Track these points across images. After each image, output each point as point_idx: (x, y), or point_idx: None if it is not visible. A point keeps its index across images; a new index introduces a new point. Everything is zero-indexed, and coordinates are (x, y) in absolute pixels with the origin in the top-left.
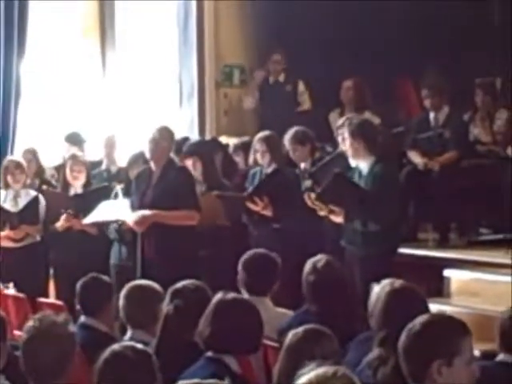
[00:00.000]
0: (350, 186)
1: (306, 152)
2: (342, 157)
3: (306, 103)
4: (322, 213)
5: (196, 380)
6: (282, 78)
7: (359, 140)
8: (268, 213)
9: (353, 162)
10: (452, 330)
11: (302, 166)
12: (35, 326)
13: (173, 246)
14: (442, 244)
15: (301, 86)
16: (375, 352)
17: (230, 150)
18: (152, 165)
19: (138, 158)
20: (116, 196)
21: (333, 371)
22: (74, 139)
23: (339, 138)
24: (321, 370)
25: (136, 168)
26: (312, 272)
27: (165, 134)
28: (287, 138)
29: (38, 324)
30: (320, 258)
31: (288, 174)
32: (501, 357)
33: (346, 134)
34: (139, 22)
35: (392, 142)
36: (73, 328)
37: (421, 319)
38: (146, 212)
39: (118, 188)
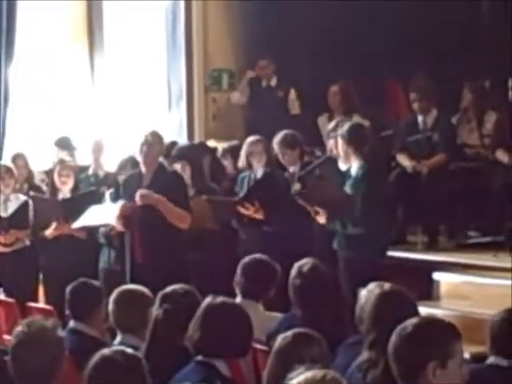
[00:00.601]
0: (332, 188)
1: (295, 156)
2: (331, 160)
3: (294, 109)
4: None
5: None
6: (273, 82)
7: (350, 143)
8: (259, 216)
9: (343, 166)
10: (445, 332)
11: (291, 169)
12: (24, 330)
13: (162, 250)
14: (431, 247)
15: (292, 94)
16: (365, 355)
17: (219, 153)
18: (143, 168)
19: (127, 163)
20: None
21: (322, 375)
22: (64, 144)
23: (331, 142)
24: (310, 374)
25: (124, 173)
26: (298, 276)
27: (158, 137)
28: (276, 141)
29: (27, 329)
30: (306, 262)
31: (278, 177)
32: (491, 359)
33: (338, 138)
34: (127, 25)
35: (381, 146)
36: (61, 333)
37: (412, 321)
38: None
39: (107, 193)
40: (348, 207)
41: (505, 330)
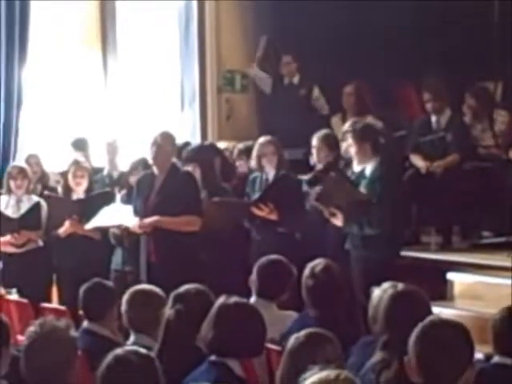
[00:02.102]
0: (348, 189)
1: (330, 157)
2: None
3: (323, 108)
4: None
5: None
6: (296, 79)
7: (362, 144)
8: (274, 217)
9: (357, 167)
10: (469, 335)
11: (319, 166)
12: (36, 331)
13: (175, 250)
14: (445, 247)
15: (316, 91)
16: (378, 355)
17: (234, 154)
18: (155, 169)
19: (138, 165)
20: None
21: (335, 374)
22: (80, 145)
23: (344, 144)
24: (323, 374)
25: (135, 174)
26: (310, 276)
27: (168, 138)
28: (318, 136)
29: (39, 329)
30: (318, 262)
31: (291, 178)
32: (496, 358)
33: (351, 139)
34: (140, 27)
35: (394, 146)
36: (74, 333)
37: (437, 326)
38: (148, 219)
39: (118, 195)
40: (364, 208)
41: (505, 328)
